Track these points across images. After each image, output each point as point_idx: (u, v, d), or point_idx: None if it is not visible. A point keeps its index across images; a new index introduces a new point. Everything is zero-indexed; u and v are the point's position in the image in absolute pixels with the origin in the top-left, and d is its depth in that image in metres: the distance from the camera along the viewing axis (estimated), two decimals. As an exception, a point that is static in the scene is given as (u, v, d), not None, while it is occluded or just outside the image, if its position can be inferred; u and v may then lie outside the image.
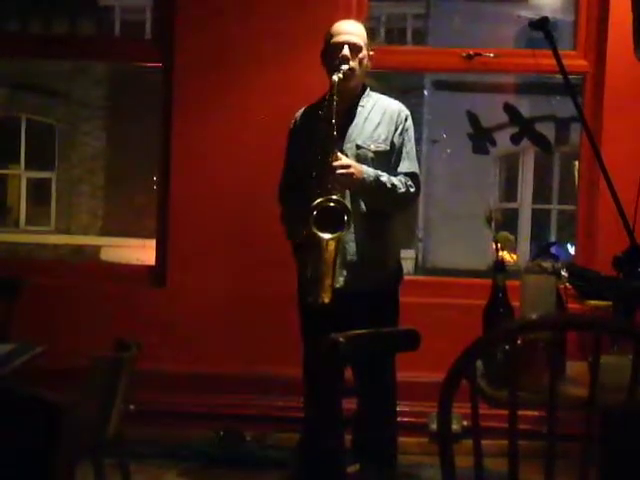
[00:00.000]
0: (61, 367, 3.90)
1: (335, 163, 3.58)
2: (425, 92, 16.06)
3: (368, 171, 3.67)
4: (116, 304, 4.79)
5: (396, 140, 3.79)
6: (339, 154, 3.62)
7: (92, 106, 17.32)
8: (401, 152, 3.80)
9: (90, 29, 16.54)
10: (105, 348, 3.18)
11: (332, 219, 3.54)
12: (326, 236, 3.54)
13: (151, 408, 4.34)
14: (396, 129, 3.80)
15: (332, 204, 3.55)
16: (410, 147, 3.82)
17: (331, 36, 3.79)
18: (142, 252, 11.67)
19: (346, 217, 3.54)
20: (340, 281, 3.67)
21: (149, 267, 5.14)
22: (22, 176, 17.48)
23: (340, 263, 3.65)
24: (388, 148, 3.78)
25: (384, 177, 3.69)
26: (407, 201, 3.82)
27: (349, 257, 3.71)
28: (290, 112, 4.00)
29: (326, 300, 3.58)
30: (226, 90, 4.86)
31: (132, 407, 3.37)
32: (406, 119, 3.83)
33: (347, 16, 4.51)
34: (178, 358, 4.73)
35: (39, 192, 17.49)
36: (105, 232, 16.96)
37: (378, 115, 3.81)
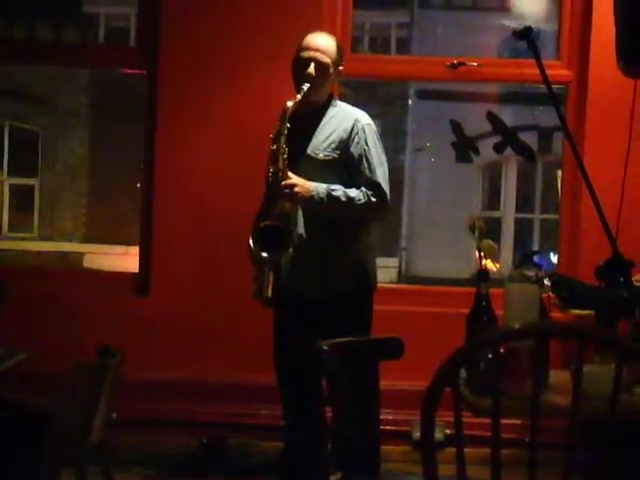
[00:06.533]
0: (44, 374, 3.88)
1: (284, 182, 3.62)
2: (409, 101, 16.11)
3: (318, 188, 3.66)
4: (99, 311, 4.77)
5: (354, 150, 3.73)
6: (288, 173, 3.64)
7: (76, 113, 17.28)
8: (361, 162, 3.73)
9: (74, 36, 16.50)
10: (88, 355, 3.17)
11: (276, 237, 3.60)
12: (264, 255, 3.61)
13: (134, 416, 4.32)
14: (352, 138, 3.73)
15: (275, 224, 3.62)
16: (372, 156, 3.74)
17: (301, 49, 3.77)
18: (125, 259, 11.66)
19: (285, 240, 3.61)
20: (297, 290, 3.73)
21: (132, 274, 5.13)
22: (5, 183, 17.42)
23: (295, 270, 3.70)
24: (337, 157, 3.73)
25: (338, 191, 3.67)
26: (372, 211, 3.76)
27: (304, 265, 3.71)
28: (274, 121, 3.99)
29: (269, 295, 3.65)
30: (211, 97, 4.86)
31: (115, 415, 3.37)
32: (364, 128, 3.76)
33: (332, 25, 4.53)
34: (161, 366, 4.71)
35: (22, 199, 17.42)
36: (88, 239, 16.91)
37: (334, 124, 3.78)
